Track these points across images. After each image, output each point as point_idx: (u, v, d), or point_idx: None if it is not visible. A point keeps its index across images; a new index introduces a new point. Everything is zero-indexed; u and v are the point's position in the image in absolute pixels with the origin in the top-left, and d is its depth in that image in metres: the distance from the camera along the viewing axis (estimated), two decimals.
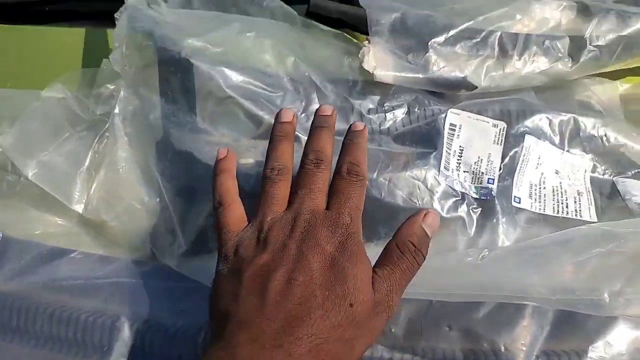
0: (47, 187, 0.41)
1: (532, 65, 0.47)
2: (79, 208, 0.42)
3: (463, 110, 0.44)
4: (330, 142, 0.36)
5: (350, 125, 0.37)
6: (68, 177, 0.42)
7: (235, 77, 0.41)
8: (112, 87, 0.43)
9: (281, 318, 0.28)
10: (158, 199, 0.40)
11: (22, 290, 0.38)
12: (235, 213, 0.34)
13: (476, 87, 0.46)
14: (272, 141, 0.36)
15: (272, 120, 0.39)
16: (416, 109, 0.45)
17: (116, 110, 0.41)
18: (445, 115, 0.43)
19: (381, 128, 0.44)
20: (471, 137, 0.43)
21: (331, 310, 0.29)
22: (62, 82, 0.43)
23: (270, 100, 0.42)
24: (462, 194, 0.40)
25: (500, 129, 0.43)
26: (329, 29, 0.47)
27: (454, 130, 0.43)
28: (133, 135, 0.41)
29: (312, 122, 0.37)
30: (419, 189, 0.39)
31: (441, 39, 0.45)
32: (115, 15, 0.42)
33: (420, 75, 0.44)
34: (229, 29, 0.43)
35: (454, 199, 0.40)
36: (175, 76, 0.40)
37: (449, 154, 0.42)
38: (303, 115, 0.44)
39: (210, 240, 0.39)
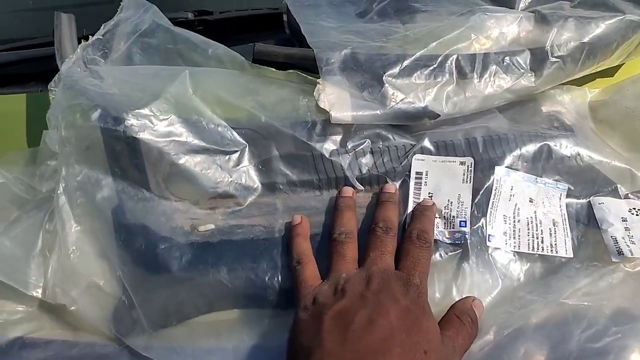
0: (0, 276, 0.40)
1: (494, 85, 0.45)
2: (37, 293, 0.40)
3: (429, 151, 0.43)
4: (395, 213, 0.40)
5: (421, 201, 0.41)
6: (20, 262, 0.40)
7: (186, 145, 0.40)
8: (54, 163, 0.42)
9: (363, 351, 0.31)
10: (116, 278, 0.39)
11: None
12: (312, 270, 0.38)
13: (439, 115, 0.44)
14: (337, 210, 0.41)
15: (228, 185, 0.39)
16: (379, 145, 0.43)
17: (59, 190, 0.39)
18: (410, 161, 0.42)
19: (345, 170, 0.42)
20: (439, 181, 0.41)
21: (408, 351, 0.31)
22: (0, 164, 0.41)
23: (226, 161, 0.41)
24: (435, 240, 0.39)
25: (467, 166, 0.42)
26: (280, 71, 0.46)
27: (421, 178, 0.42)
28: (82, 213, 0.40)
29: (379, 198, 0.42)
30: None
31: (396, 70, 0.44)
32: (50, 87, 0.40)
33: (379, 112, 0.43)
34: (175, 86, 0.41)
35: None
36: (122, 153, 0.38)
37: (418, 203, 0.40)
38: (262, 168, 0.42)
39: (174, 317, 0.37)
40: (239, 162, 0.42)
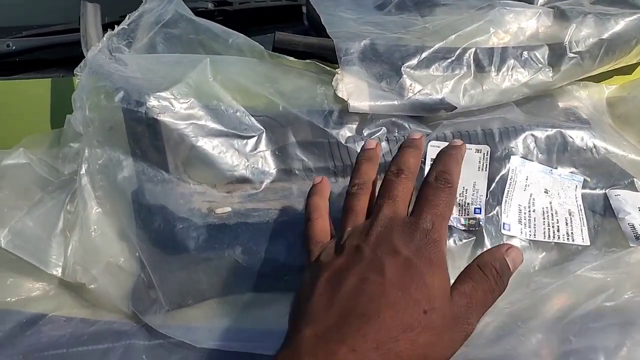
0: (21, 254, 0.41)
1: (511, 79, 0.46)
2: (57, 272, 0.41)
3: (444, 138, 0.43)
4: (414, 157, 0.37)
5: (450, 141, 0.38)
6: (42, 241, 0.41)
7: (205, 128, 0.41)
8: (77, 145, 0.43)
9: (348, 315, 0.28)
10: (135, 258, 0.40)
11: None
12: (320, 226, 0.36)
13: (455, 108, 0.45)
14: (356, 164, 0.39)
15: (245, 169, 0.38)
16: (395, 134, 0.44)
17: (82, 171, 0.40)
18: (426, 149, 0.42)
19: None
20: None
21: (403, 311, 0.28)
22: (25, 146, 0.43)
23: (244, 146, 0.42)
24: (449, 227, 0.39)
25: (484, 154, 0.42)
26: (298, 60, 0.46)
27: None
28: (103, 194, 0.41)
29: (400, 145, 0.38)
30: None
31: (414, 62, 0.44)
32: (76, 72, 0.42)
33: (396, 102, 0.43)
34: (196, 73, 0.43)
35: None
36: (143, 135, 0.39)
37: None
38: (279, 153, 0.43)
39: (190, 296, 0.38)
40: (256, 147, 0.43)
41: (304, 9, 0.60)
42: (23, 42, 0.59)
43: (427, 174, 0.35)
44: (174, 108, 0.40)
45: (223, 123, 0.42)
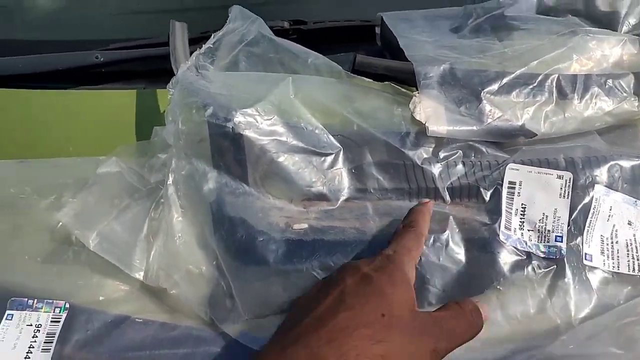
0: (108, 257, 0.44)
1: (594, 107, 0.46)
2: (139, 276, 0.44)
3: (523, 164, 0.43)
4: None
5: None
6: (127, 245, 0.44)
7: (286, 144, 0.43)
8: (164, 156, 0.46)
9: (306, 322, 0.32)
10: (215, 266, 0.42)
11: None
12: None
13: (535, 135, 0.45)
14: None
15: (322, 185, 0.41)
16: (472, 158, 0.45)
17: (169, 181, 0.43)
18: (504, 172, 0.43)
19: (436, 180, 0.44)
20: (533, 193, 0.42)
21: (360, 313, 0.32)
22: (116, 155, 0.46)
23: (321, 163, 0.44)
24: (528, 253, 0.40)
25: (565, 181, 0.42)
26: (375, 81, 0.48)
27: (514, 188, 0.43)
28: (187, 204, 0.43)
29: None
30: (479, 251, 0.39)
31: (494, 87, 0.45)
32: (168, 88, 0.45)
33: (475, 127, 0.44)
34: (278, 91, 0.45)
35: (518, 259, 0.39)
36: (228, 149, 0.42)
37: (510, 213, 0.41)
38: (355, 172, 0.45)
39: (268, 307, 0.40)
40: (333, 164, 0.44)
41: (377, 30, 0.62)
42: (110, 55, 0.63)
43: (400, 223, 0.40)
44: (258, 124, 0.43)
45: (303, 140, 0.44)
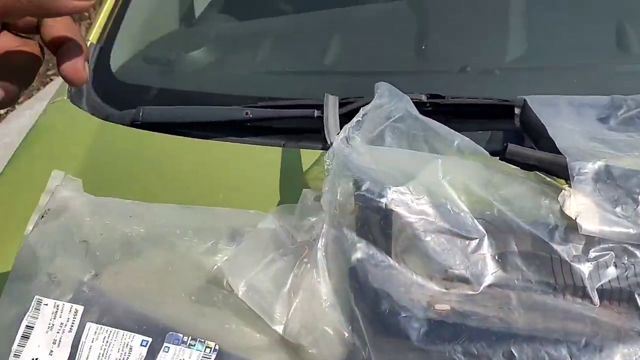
0: (253, 306, 0.48)
1: None
2: (279, 328, 0.47)
3: None
4: None
5: None
6: (271, 297, 0.48)
7: (432, 224, 0.45)
8: (314, 219, 0.50)
9: None
10: (356, 333, 0.44)
11: None
12: None
13: None
14: None
15: (465, 269, 0.42)
16: (624, 260, 0.44)
17: (319, 244, 0.47)
18: None
19: (584, 280, 0.43)
20: None
21: None
22: (273, 214, 0.51)
23: (466, 246, 0.45)
24: None
25: None
26: (522, 170, 0.49)
27: None
28: (333, 268, 0.47)
29: None
30: None
31: None
32: (326, 160, 0.49)
33: (632, 230, 0.44)
34: (428, 171, 0.48)
35: None
36: (377, 222, 0.45)
37: None
38: (499, 259, 0.45)
39: None
40: (477, 249, 0.46)
41: (517, 110, 0.63)
42: (258, 112, 0.70)
43: None
44: (409, 202, 0.45)
45: (449, 222, 0.46)
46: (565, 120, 0.56)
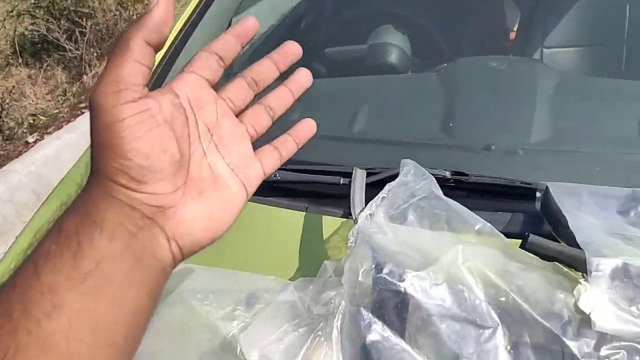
0: None
1: None
2: None
3: None
4: None
5: None
6: None
7: (449, 310, 0.47)
8: (332, 293, 0.52)
9: None
10: None
11: None
12: None
13: None
14: None
15: (477, 358, 0.43)
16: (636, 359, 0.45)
17: (336, 322, 0.49)
18: None
19: None
20: None
21: None
22: (294, 286, 0.53)
23: (479, 335, 0.46)
24: None
25: None
26: (541, 260, 0.51)
27: None
28: (348, 346, 0.48)
29: None
30: None
31: None
32: (350, 237, 0.52)
33: None
34: (448, 256, 0.50)
35: None
36: (395, 305, 0.47)
37: None
38: (511, 350, 0.47)
39: None
40: (490, 338, 0.47)
41: (538, 194, 0.66)
42: (286, 175, 0.73)
43: None
44: (427, 287, 0.47)
45: (465, 309, 0.47)
46: (586, 211, 0.58)
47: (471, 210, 0.57)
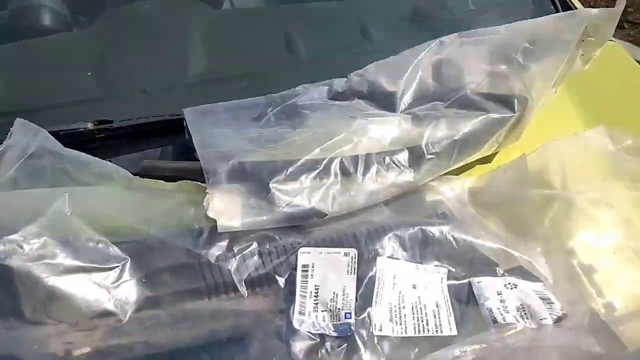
0: None
1: (376, 183, 0.51)
2: None
3: (315, 245, 0.46)
4: None
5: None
6: None
7: (60, 266, 0.41)
8: None
9: None
10: None
11: None
12: None
13: (326, 215, 0.48)
14: None
15: (107, 302, 0.40)
16: (267, 246, 0.46)
17: None
18: (296, 257, 0.45)
19: (233, 277, 0.45)
20: (325, 273, 0.45)
21: None
22: None
23: (105, 278, 0.42)
24: (321, 335, 0.41)
25: (351, 257, 0.46)
26: (170, 183, 0.49)
27: (307, 270, 0.45)
28: None
29: None
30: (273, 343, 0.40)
31: (281, 177, 0.48)
32: None
33: (266, 217, 0.47)
34: (52, 209, 0.44)
35: (312, 343, 0.41)
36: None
37: (304, 296, 0.43)
38: (146, 280, 0.44)
39: None
40: (119, 277, 0.43)
41: (185, 123, 0.64)
42: None
43: None
44: (23, 250, 0.41)
45: (80, 258, 0.43)
46: (219, 126, 0.58)
47: (124, 155, 0.53)
